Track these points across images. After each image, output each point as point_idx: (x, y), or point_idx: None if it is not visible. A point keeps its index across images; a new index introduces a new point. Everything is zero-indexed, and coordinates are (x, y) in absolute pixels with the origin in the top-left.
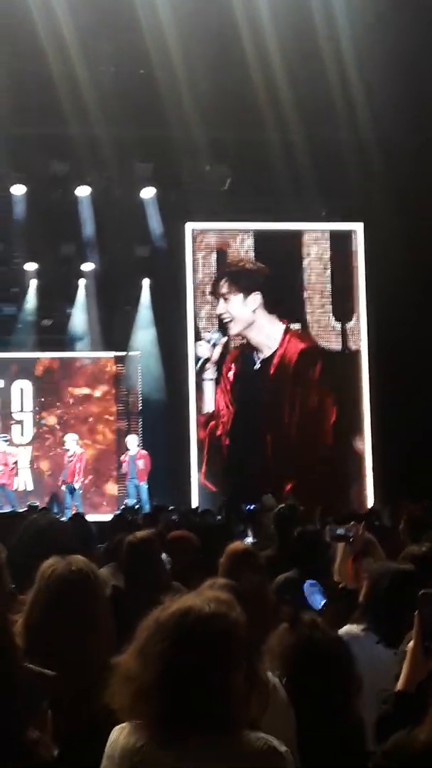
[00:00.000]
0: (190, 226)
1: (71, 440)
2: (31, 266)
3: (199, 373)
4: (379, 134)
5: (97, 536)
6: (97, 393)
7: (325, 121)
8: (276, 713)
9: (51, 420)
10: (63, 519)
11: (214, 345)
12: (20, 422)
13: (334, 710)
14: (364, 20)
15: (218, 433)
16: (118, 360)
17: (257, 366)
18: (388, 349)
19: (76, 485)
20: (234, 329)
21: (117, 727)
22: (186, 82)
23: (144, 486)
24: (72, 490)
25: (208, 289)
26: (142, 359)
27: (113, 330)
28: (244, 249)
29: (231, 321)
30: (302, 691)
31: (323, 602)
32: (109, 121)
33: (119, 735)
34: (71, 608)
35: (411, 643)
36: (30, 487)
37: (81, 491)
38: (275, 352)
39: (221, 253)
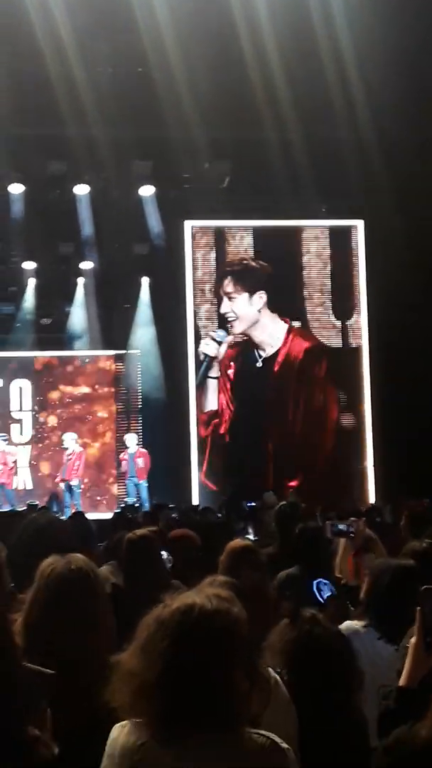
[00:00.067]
0: (189, 224)
1: (70, 439)
2: (29, 265)
3: (206, 371)
4: (378, 132)
5: (97, 535)
6: (97, 392)
7: (324, 119)
8: (277, 709)
9: (50, 419)
10: (63, 518)
11: (220, 343)
12: (19, 421)
13: (335, 706)
14: (362, 18)
15: (221, 431)
16: (118, 358)
17: (259, 364)
18: (388, 347)
19: (75, 483)
20: (238, 328)
21: (117, 725)
22: (184, 81)
23: (144, 484)
24: (70, 489)
25: (208, 287)
26: (141, 357)
27: (112, 328)
28: (243, 247)
29: (236, 320)
30: (303, 687)
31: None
32: (107, 120)
33: (119, 733)
34: (71, 607)
35: (413, 639)
36: (29, 486)
37: (80, 490)
38: (279, 350)
39: (220, 251)
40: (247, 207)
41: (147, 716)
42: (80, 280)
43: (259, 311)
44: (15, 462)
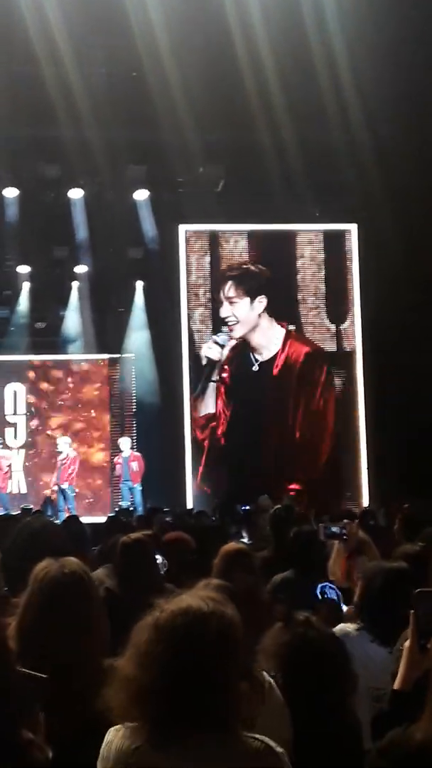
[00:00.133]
0: (183, 228)
1: (64, 443)
2: (23, 269)
3: (209, 374)
4: (372, 136)
5: (91, 539)
6: (91, 395)
7: (318, 123)
8: (271, 712)
9: (44, 423)
10: (57, 522)
11: (223, 347)
12: (13, 425)
13: (329, 709)
14: (355, 23)
15: (217, 434)
16: (112, 362)
17: (255, 368)
18: (382, 350)
19: (68, 487)
20: (238, 332)
21: (112, 729)
22: (179, 85)
23: (138, 488)
24: (64, 493)
25: (202, 291)
26: (135, 361)
27: (107, 332)
28: (237, 251)
29: (236, 324)
30: (297, 690)
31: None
32: (102, 124)
33: (114, 737)
34: (64, 610)
35: (407, 642)
36: (23, 490)
37: (74, 494)
38: (278, 354)
39: (215, 255)
40: (242, 211)
41: (143, 720)
42: (74, 284)
43: (259, 315)
44: (9, 466)
